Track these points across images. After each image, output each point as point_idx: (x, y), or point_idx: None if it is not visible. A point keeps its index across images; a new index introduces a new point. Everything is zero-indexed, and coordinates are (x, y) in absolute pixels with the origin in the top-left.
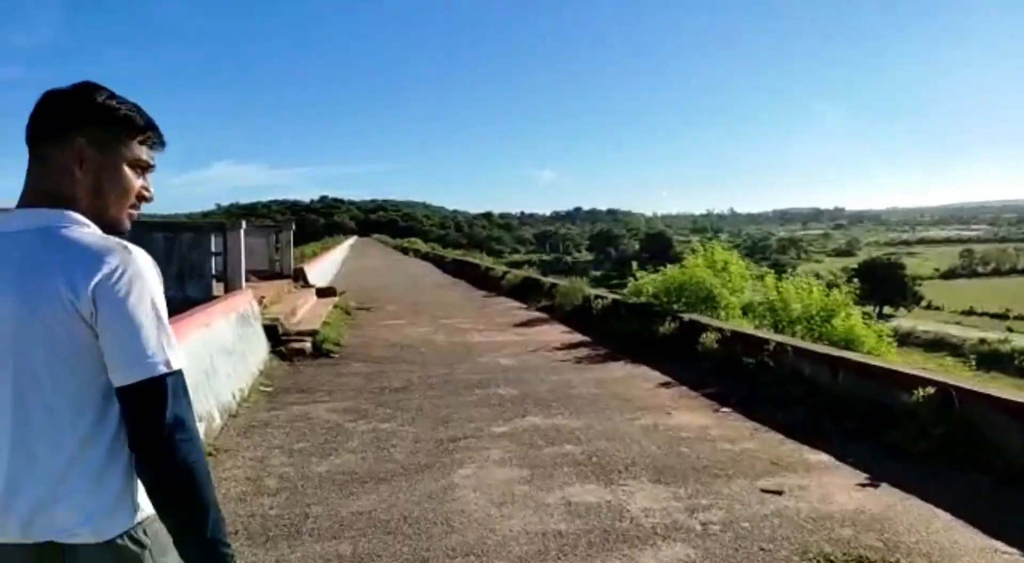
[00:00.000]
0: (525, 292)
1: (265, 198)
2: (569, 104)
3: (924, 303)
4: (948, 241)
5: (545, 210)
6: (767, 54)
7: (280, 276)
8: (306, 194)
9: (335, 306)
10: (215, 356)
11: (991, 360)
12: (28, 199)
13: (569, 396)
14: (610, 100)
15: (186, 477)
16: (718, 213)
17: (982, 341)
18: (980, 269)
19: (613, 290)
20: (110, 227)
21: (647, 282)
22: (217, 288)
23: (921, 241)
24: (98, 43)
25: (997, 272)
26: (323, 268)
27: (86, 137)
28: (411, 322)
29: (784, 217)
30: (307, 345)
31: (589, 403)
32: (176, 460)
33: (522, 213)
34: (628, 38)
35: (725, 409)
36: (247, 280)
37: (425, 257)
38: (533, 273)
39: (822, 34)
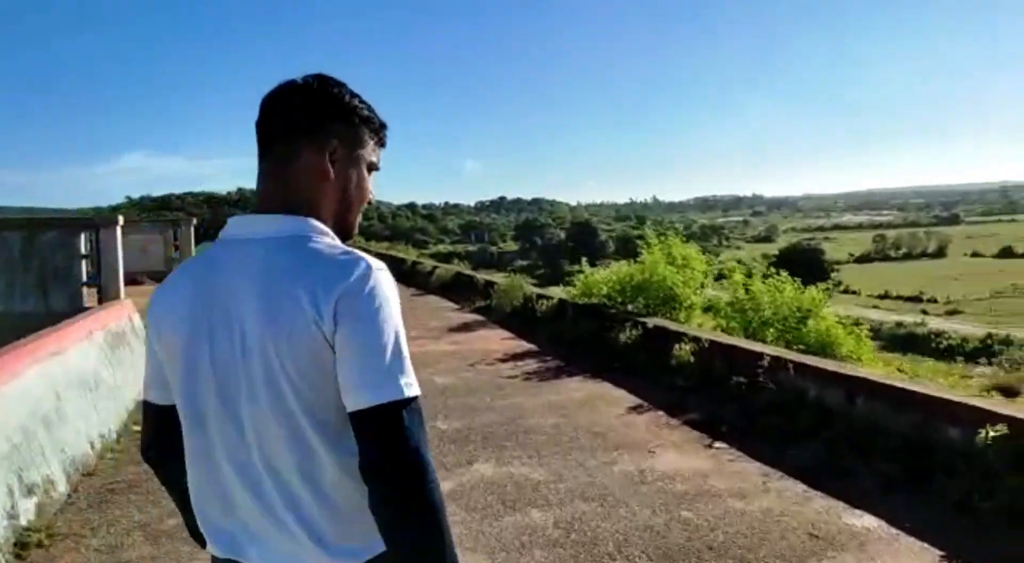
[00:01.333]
0: (457, 290)
1: (180, 190)
2: (493, 94)
3: (841, 287)
4: (861, 227)
5: (470, 200)
6: (688, 44)
7: None
8: (224, 186)
9: None
10: (64, 394)
11: (908, 342)
12: (266, 204)
13: (525, 429)
14: (533, 90)
15: (430, 515)
16: (641, 201)
17: (899, 324)
18: (892, 253)
19: (542, 284)
20: (345, 235)
21: (599, 280)
22: (90, 297)
23: (836, 227)
24: None
25: (908, 256)
26: None
27: (338, 138)
28: None
29: (705, 204)
30: None
31: (551, 440)
32: (420, 496)
33: (446, 203)
34: (549, 27)
35: (719, 444)
36: (137, 284)
37: None
38: (464, 267)
39: (739, 25)
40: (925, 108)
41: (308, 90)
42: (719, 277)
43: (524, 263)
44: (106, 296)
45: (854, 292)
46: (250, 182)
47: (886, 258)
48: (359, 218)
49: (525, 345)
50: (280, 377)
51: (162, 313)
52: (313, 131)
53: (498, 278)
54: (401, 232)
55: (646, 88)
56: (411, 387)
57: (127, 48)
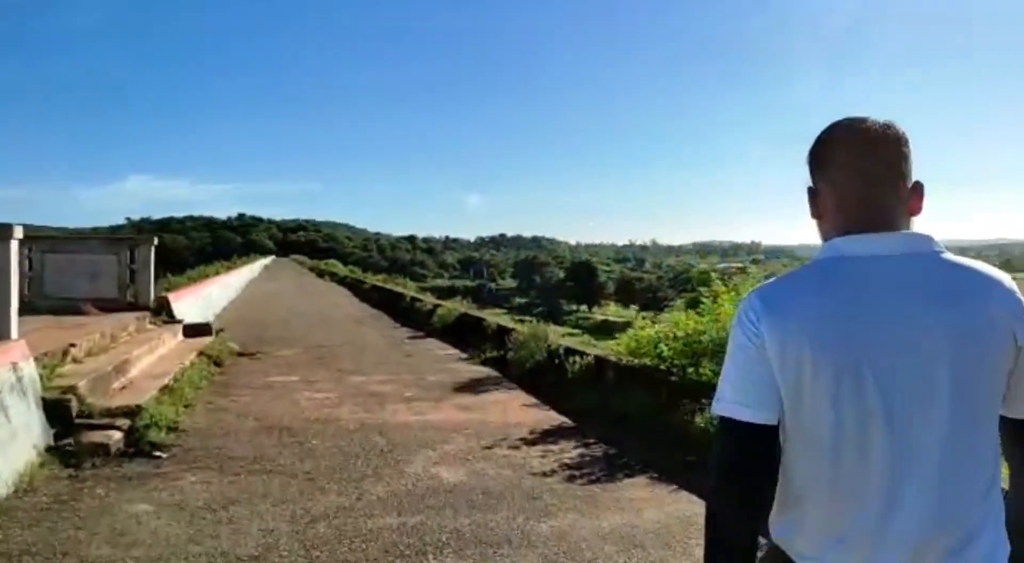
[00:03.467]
0: (461, 334)
1: (181, 214)
2: (497, 129)
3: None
4: None
5: (470, 235)
6: (690, 91)
7: (134, 307)
8: (225, 211)
9: (200, 353)
10: None
11: None
12: (885, 223)
13: None
14: (538, 128)
15: None
16: (640, 243)
17: None
18: None
19: (541, 319)
20: None
21: (654, 336)
22: None
23: None
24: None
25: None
26: (210, 295)
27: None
28: (307, 380)
29: (704, 249)
30: (115, 436)
31: None
32: None
33: (447, 238)
34: (557, 68)
35: None
36: (81, 314)
37: (343, 281)
38: (468, 307)
39: (741, 72)
40: (924, 156)
41: (899, 132)
42: None
43: (522, 301)
44: None
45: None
46: (250, 208)
47: None
48: None
49: (555, 417)
50: (973, 393)
51: (797, 328)
52: (909, 168)
53: (505, 319)
54: (399, 264)
55: (648, 132)
56: None
57: (136, 68)
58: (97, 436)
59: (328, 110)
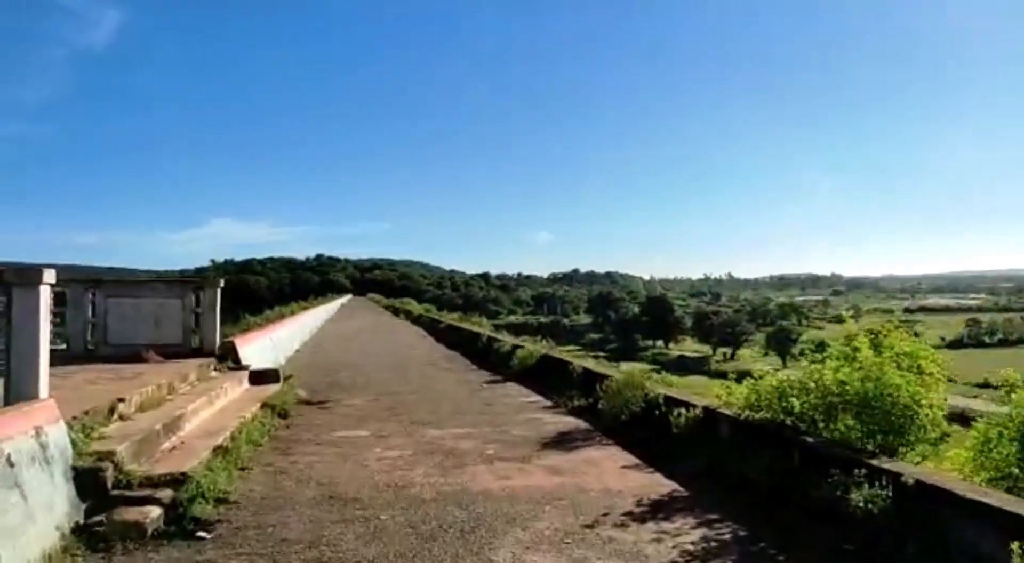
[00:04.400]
0: (543, 377)
1: (262, 255)
2: (567, 166)
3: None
4: (948, 309)
5: (543, 272)
6: (761, 123)
7: (199, 353)
8: (304, 252)
9: (264, 405)
10: None
11: None
12: None
13: None
14: (608, 163)
15: None
16: (715, 277)
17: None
18: (987, 339)
19: (614, 358)
20: None
21: (778, 386)
22: None
23: (921, 309)
24: (97, 102)
25: (1004, 342)
26: (281, 337)
27: None
28: (378, 434)
29: (782, 282)
30: (153, 512)
31: None
32: None
33: (519, 274)
34: (625, 102)
35: None
36: (142, 361)
37: (417, 320)
38: (549, 347)
39: (815, 102)
40: (1013, 189)
41: None
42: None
43: (597, 336)
44: (17, 391)
45: (952, 380)
46: (329, 248)
47: (980, 344)
48: None
49: (662, 482)
50: None
51: None
52: None
53: (591, 362)
54: (474, 301)
55: (721, 163)
56: None
57: (220, 117)
58: (132, 513)
59: (401, 151)
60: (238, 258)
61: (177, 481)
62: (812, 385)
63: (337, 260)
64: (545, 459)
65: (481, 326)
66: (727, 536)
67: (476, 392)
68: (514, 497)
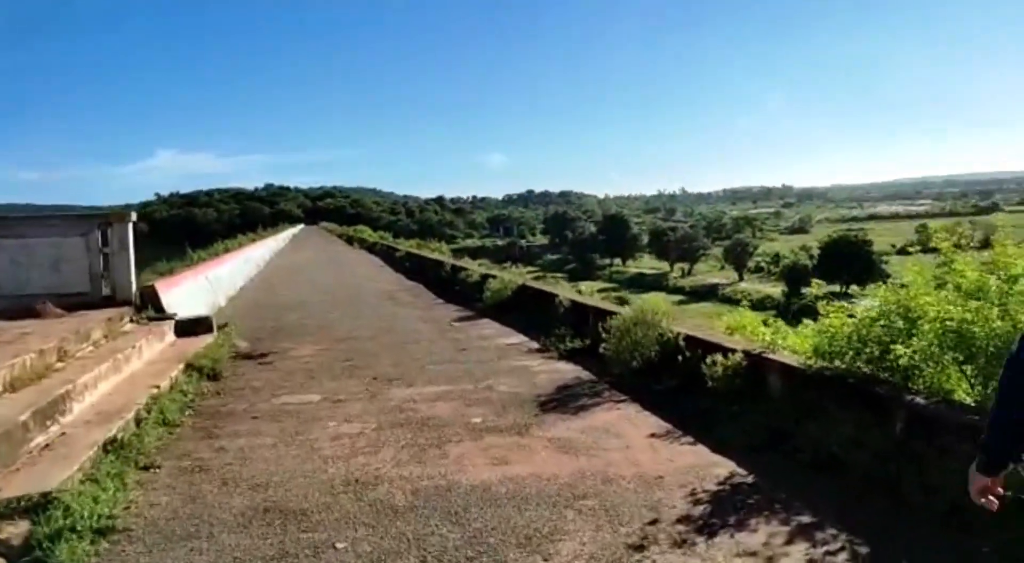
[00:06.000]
0: (522, 311)
1: (208, 186)
2: (517, 87)
3: (889, 280)
4: (897, 217)
5: (497, 194)
6: (709, 35)
7: (112, 302)
8: (252, 182)
9: (188, 365)
10: None
11: None
12: None
13: None
14: (558, 83)
15: None
16: (669, 193)
17: None
18: (936, 244)
19: (573, 278)
20: None
21: (859, 326)
22: None
23: (871, 217)
24: (28, 32)
25: (956, 247)
26: (222, 276)
27: None
28: (333, 399)
29: (735, 196)
30: None
31: None
32: None
33: (474, 197)
34: (575, 21)
35: None
36: (35, 317)
37: (373, 248)
38: (531, 279)
39: (764, 16)
40: (957, 95)
41: None
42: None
43: (555, 257)
44: None
45: (903, 285)
46: (278, 178)
47: (930, 250)
48: None
49: (713, 460)
50: None
51: None
52: None
53: (574, 293)
54: (429, 226)
55: (671, 80)
56: None
57: (158, 45)
58: None
59: (349, 77)
60: (184, 190)
61: (37, 506)
62: (927, 326)
63: (288, 190)
64: (549, 428)
65: (442, 253)
66: (843, 558)
67: (446, 333)
68: (520, 496)
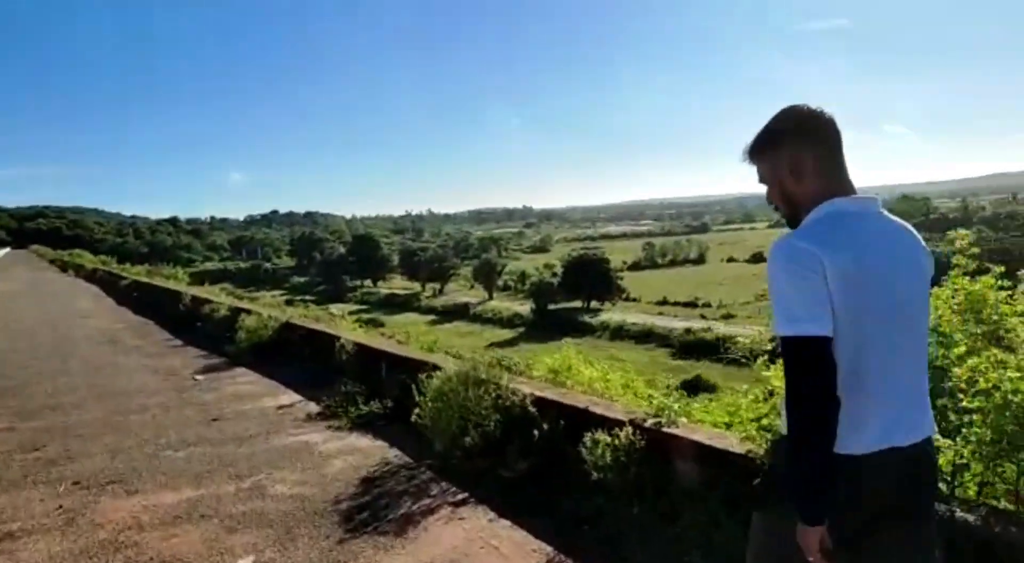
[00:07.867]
0: (290, 355)
1: None
2: (258, 104)
3: (624, 295)
4: (625, 236)
5: (239, 214)
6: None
7: None
8: None
9: None
10: None
11: (699, 349)
12: (851, 187)
13: None
14: (303, 103)
15: None
16: (417, 213)
17: (688, 331)
18: (660, 260)
19: (322, 301)
20: None
21: None
22: None
23: (604, 236)
24: None
25: (674, 262)
26: None
27: None
28: (3, 532)
29: (479, 217)
30: None
31: None
32: None
33: (212, 218)
34: (320, 42)
35: None
36: None
37: (92, 276)
38: (298, 315)
39: (495, 53)
40: (670, 131)
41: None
42: None
43: (303, 280)
44: None
45: (635, 299)
46: None
47: (655, 265)
48: None
49: None
50: (925, 306)
51: (842, 254)
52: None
53: (362, 334)
54: (162, 249)
55: (416, 107)
56: None
57: None
58: None
59: (66, 85)
60: None
61: None
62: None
63: None
64: None
65: (179, 279)
66: None
67: (187, 392)
68: None
